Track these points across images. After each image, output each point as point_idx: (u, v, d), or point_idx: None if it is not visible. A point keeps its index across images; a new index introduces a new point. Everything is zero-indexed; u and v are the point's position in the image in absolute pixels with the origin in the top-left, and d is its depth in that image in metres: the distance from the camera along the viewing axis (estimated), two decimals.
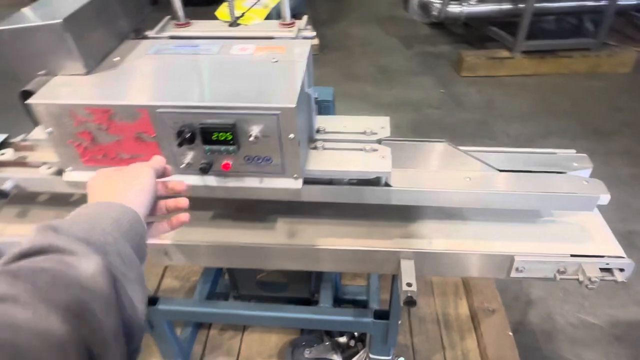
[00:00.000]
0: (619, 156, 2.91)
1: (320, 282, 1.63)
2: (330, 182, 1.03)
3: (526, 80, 3.69)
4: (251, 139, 0.82)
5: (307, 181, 0.99)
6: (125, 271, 0.48)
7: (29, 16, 0.89)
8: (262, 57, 0.95)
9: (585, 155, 1.09)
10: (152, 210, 0.68)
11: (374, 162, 0.97)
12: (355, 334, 1.69)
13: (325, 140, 1.03)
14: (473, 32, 4.29)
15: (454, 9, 3.55)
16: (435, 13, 3.50)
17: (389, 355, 1.53)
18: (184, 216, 0.70)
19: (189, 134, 0.82)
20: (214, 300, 1.59)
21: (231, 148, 0.83)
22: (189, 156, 0.87)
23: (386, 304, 1.87)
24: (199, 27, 1.14)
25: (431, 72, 3.91)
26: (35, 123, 1.10)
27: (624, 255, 1.03)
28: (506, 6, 3.65)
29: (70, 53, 0.88)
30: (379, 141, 1.05)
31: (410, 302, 1.01)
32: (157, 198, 0.69)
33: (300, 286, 1.71)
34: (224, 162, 0.87)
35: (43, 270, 0.41)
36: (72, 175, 0.95)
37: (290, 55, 0.94)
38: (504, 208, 1.04)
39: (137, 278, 0.50)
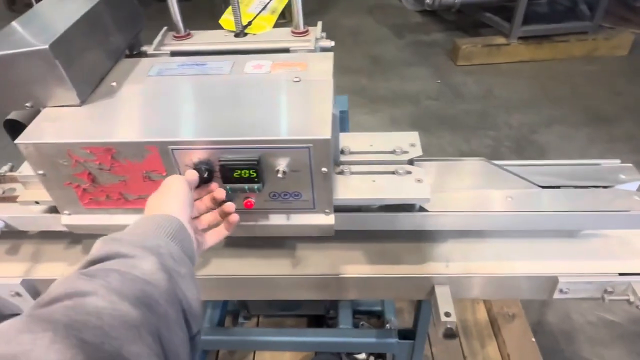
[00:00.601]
0: (623, 143, 2.86)
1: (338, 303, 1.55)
2: (358, 209, 0.93)
3: (523, 67, 3.61)
4: (279, 175, 0.71)
5: (335, 209, 0.89)
6: (177, 268, 0.55)
7: (10, 39, 0.76)
8: (281, 75, 0.83)
9: (631, 165, 1.01)
10: (198, 224, 0.73)
11: (409, 187, 0.87)
12: None
13: (351, 163, 0.92)
14: (466, 18, 4.19)
15: None
16: (429, 1, 3.38)
17: None
18: (235, 217, 0.72)
19: (206, 173, 0.71)
20: (225, 327, 1.49)
21: (256, 186, 0.72)
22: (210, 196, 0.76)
23: (401, 313, 1.79)
24: (201, 38, 1.02)
25: (426, 61, 3.80)
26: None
27: None
28: None
29: (61, 81, 0.76)
30: (411, 161, 0.95)
31: (451, 335, 0.94)
32: (206, 210, 0.74)
33: (314, 303, 1.63)
34: (247, 200, 0.76)
35: (112, 270, 0.48)
36: (71, 219, 0.83)
37: (313, 73, 0.83)
38: (551, 229, 0.96)
39: (188, 274, 0.56)
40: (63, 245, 1.08)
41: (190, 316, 0.53)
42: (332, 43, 0.95)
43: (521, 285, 0.99)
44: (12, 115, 0.96)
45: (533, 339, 1.71)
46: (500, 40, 3.60)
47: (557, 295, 0.99)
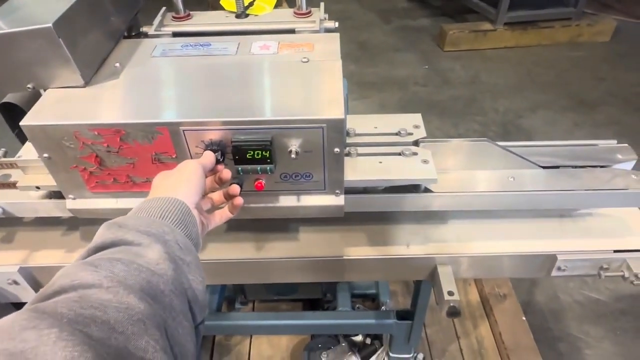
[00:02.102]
0: (606, 127, 2.93)
1: (332, 281, 1.56)
2: (364, 190, 0.94)
3: (509, 53, 3.65)
4: (291, 155, 0.71)
5: None
6: (182, 256, 0.54)
7: (11, 17, 0.73)
8: (289, 56, 0.82)
9: (627, 145, 1.03)
10: (202, 204, 0.71)
11: (416, 167, 0.88)
12: None
13: (358, 145, 0.93)
14: (452, 4, 4.20)
15: None
16: None
17: (410, 354, 1.49)
18: (239, 200, 0.71)
19: (218, 153, 0.70)
20: (223, 312, 1.49)
21: (268, 167, 0.72)
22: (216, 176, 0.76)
23: (395, 295, 1.82)
24: (202, 19, 1.00)
25: (413, 47, 3.81)
26: (21, 138, 0.95)
27: None
28: None
29: (65, 61, 0.74)
30: (416, 142, 0.95)
31: (454, 312, 0.95)
32: (211, 190, 0.72)
33: (311, 287, 1.64)
34: (257, 181, 0.76)
35: (117, 260, 0.47)
36: (76, 203, 0.81)
37: (321, 54, 0.82)
38: (552, 208, 0.98)
39: (193, 261, 0.55)
40: (61, 232, 1.06)
41: (195, 305, 0.53)
42: (337, 24, 0.94)
43: (520, 264, 1.02)
44: (8, 98, 0.93)
45: (524, 318, 1.76)
46: (487, 26, 3.62)
47: (555, 273, 1.02)
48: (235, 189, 0.70)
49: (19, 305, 1.10)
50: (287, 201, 0.80)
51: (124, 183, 0.78)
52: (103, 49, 0.84)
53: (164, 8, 1.02)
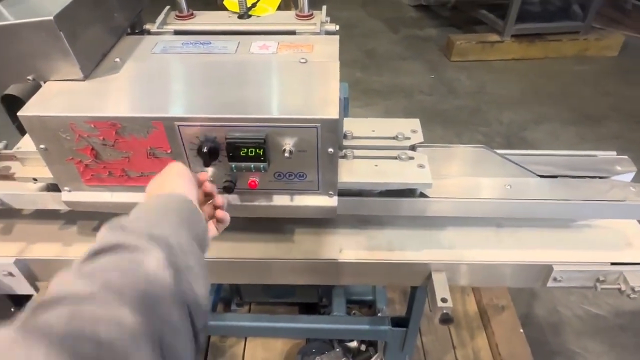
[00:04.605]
0: (610, 141, 2.91)
1: (328, 286, 1.55)
2: (358, 193, 0.94)
3: (516, 65, 3.65)
4: (285, 154, 0.71)
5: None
6: (185, 260, 0.52)
7: (9, 12, 0.74)
8: (287, 57, 0.83)
9: (626, 157, 1.03)
10: None
11: (411, 172, 0.88)
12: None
13: (354, 148, 0.93)
14: (460, 15, 4.21)
15: None
16: None
17: None
18: (225, 216, 0.70)
19: (211, 150, 0.71)
20: (218, 313, 1.48)
21: (262, 165, 0.72)
22: (210, 173, 0.76)
23: (392, 303, 1.81)
24: (205, 19, 1.01)
25: (420, 56, 3.82)
26: (21, 131, 0.96)
27: None
28: None
29: (65, 54, 0.75)
30: (413, 147, 0.95)
31: (447, 319, 0.94)
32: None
33: (308, 291, 1.63)
34: (251, 179, 0.76)
35: (114, 268, 0.46)
36: (71, 196, 0.82)
37: (319, 55, 0.83)
38: (549, 218, 0.97)
39: (197, 265, 0.54)
40: (58, 225, 1.07)
41: (195, 311, 0.51)
42: (337, 27, 0.95)
43: (516, 273, 1.01)
44: (10, 90, 0.94)
45: (521, 330, 1.74)
46: (494, 37, 3.63)
47: (551, 284, 1.01)
48: (220, 199, 0.68)
49: (13, 298, 1.11)
50: (280, 200, 0.80)
51: (119, 177, 0.78)
52: (104, 44, 0.85)
53: (167, 7, 1.03)
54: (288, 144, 0.71)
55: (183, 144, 0.73)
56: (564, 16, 3.72)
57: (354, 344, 1.63)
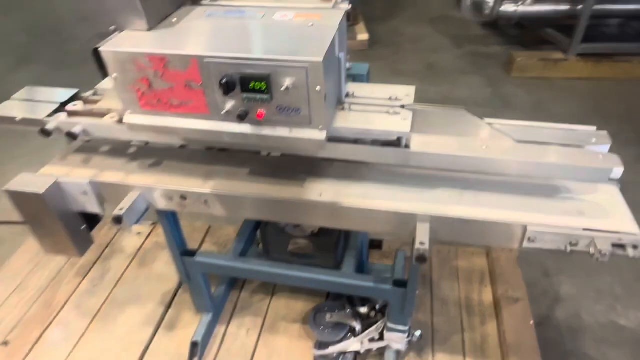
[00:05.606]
0: None
1: (345, 254, 1.72)
2: (355, 142, 1.12)
3: (579, 84, 3.59)
4: (283, 89, 0.93)
5: (335, 139, 1.09)
6: None
7: None
8: (300, 22, 1.05)
9: (605, 132, 1.12)
10: None
11: (395, 123, 1.06)
12: (377, 306, 1.76)
13: (352, 103, 1.12)
14: (527, 33, 4.22)
15: (508, 8, 3.51)
16: (487, 12, 3.49)
17: (406, 326, 1.60)
18: None
19: (229, 82, 0.94)
20: (247, 257, 1.71)
21: (265, 97, 0.94)
22: (229, 104, 0.99)
23: None
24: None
25: (480, 71, 3.89)
26: (105, 76, 1.27)
27: (639, 232, 1.05)
28: (563, 7, 3.57)
29: (137, 12, 1.03)
30: (403, 107, 1.13)
31: (421, 258, 1.07)
32: None
33: (327, 257, 1.81)
34: (259, 111, 0.98)
35: None
36: (131, 118, 1.09)
37: (325, 22, 1.04)
38: (515, 174, 1.09)
39: None
40: (124, 161, 1.36)
41: None
42: (349, 6, 1.15)
43: (493, 231, 1.12)
44: (99, 45, 1.25)
45: (531, 322, 1.78)
46: (558, 55, 3.61)
47: (526, 244, 1.11)
48: None
49: (86, 216, 1.41)
50: (281, 132, 1.02)
51: (164, 104, 1.04)
52: (167, 8, 1.14)
53: None
54: (286, 81, 0.93)
55: (210, 78, 0.97)
56: (636, 37, 3.62)
57: (364, 310, 1.77)
